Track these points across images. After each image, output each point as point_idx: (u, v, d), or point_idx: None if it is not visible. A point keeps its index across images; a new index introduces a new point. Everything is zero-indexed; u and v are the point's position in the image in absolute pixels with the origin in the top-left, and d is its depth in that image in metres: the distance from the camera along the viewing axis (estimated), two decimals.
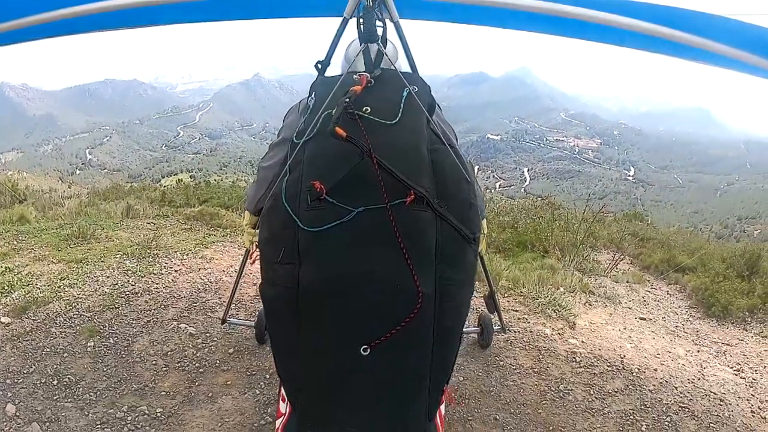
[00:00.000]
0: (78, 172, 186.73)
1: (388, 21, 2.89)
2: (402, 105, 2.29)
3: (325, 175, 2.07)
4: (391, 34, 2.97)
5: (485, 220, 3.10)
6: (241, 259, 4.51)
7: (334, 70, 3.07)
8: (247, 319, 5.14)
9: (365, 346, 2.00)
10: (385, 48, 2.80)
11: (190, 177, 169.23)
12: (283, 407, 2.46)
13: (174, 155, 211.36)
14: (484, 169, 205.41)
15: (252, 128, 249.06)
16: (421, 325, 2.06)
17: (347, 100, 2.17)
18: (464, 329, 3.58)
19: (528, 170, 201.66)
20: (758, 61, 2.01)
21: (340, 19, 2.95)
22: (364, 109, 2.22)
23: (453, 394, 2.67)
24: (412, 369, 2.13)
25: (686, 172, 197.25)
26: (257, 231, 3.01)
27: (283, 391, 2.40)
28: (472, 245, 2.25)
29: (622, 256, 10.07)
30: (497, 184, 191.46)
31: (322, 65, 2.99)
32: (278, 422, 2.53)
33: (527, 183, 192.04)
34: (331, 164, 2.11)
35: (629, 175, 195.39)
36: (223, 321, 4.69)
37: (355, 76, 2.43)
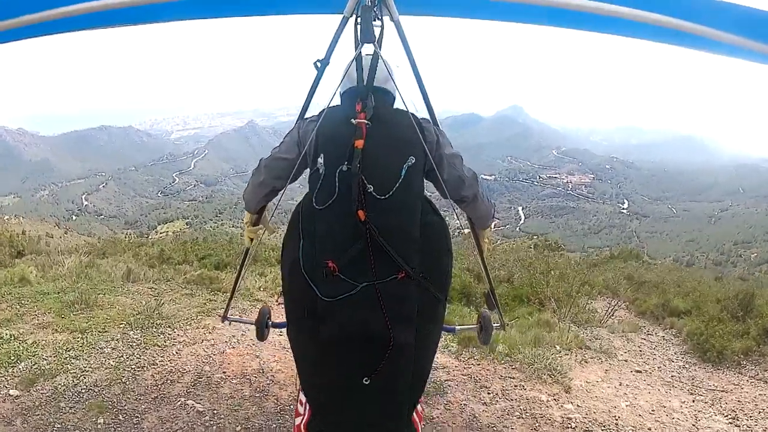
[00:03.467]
0: (74, 218, 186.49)
1: (387, 20, 2.94)
2: (400, 180, 2.64)
3: (337, 251, 2.55)
4: (392, 34, 3.00)
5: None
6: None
7: (333, 68, 3.10)
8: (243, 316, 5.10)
9: (366, 378, 2.61)
10: (380, 50, 2.89)
11: (186, 224, 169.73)
12: (302, 409, 3.08)
13: (170, 202, 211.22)
14: None
15: (246, 175, 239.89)
16: (405, 362, 2.67)
17: (358, 167, 2.55)
18: (463, 327, 4.67)
19: (522, 209, 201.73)
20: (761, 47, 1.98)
21: (339, 18, 2.99)
22: (368, 187, 2.58)
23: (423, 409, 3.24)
24: (398, 390, 2.72)
25: (680, 201, 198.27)
26: (257, 228, 3.58)
27: (302, 396, 3.04)
28: (443, 302, 2.86)
29: (617, 304, 10.15)
30: (492, 225, 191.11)
31: (322, 64, 3.08)
32: (298, 420, 3.11)
33: (522, 221, 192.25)
34: (341, 245, 2.57)
35: (623, 209, 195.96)
36: (224, 319, 4.74)
37: (353, 120, 2.67)
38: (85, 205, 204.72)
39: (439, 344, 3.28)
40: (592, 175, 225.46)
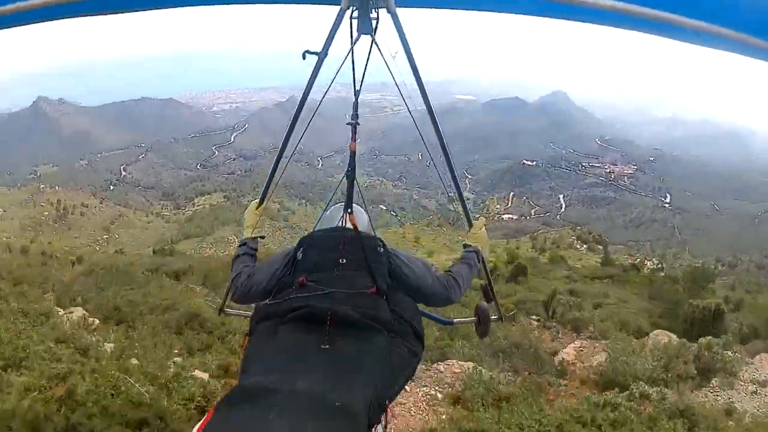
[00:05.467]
0: (112, 188, 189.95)
1: (384, 12, 2.81)
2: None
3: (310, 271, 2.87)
4: (389, 26, 2.87)
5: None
6: None
7: (330, 63, 3.05)
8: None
9: (325, 344, 2.38)
10: (377, 44, 2.96)
11: (224, 197, 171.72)
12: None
13: (208, 175, 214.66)
14: (520, 196, 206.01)
15: (286, 150, 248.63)
16: (370, 342, 2.51)
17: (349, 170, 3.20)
18: (461, 320, 4.68)
19: (563, 197, 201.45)
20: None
21: (336, 9, 2.82)
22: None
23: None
24: (360, 363, 2.41)
25: (723, 199, 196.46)
26: (260, 210, 3.93)
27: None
28: (416, 333, 2.84)
29: None
30: (532, 211, 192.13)
31: (319, 57, 2.96)
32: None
33: (563, 210, 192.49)
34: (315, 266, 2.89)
35: (666, 202, 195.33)
36: (221, 311, 4.73)
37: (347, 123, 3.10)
38: (123, 176, 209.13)
39: None
40: (635, 167, 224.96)
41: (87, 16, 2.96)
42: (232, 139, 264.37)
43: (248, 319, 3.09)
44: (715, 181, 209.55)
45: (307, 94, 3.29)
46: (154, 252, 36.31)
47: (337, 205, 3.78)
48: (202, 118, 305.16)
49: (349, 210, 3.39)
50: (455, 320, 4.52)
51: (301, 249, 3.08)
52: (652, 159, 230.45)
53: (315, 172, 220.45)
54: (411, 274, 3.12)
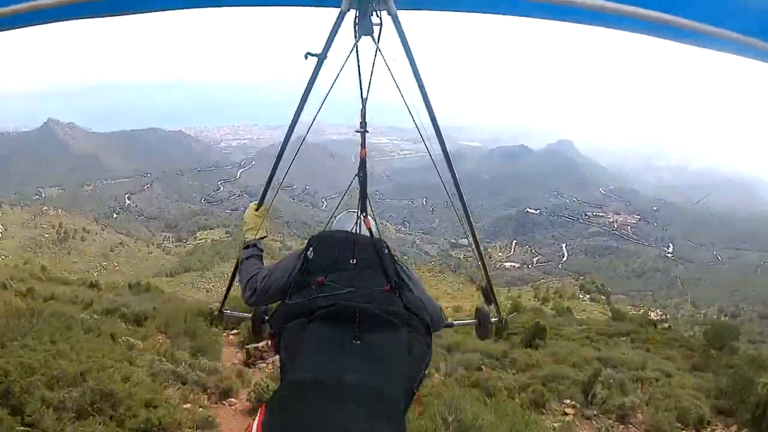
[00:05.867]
0: (115, 215, 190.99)
1: (385, 14, 2.78)
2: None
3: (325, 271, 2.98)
4: (390, 28, 2.84)
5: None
6: None
7: (330, 63, 3.01)
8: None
9: (356, 339, 2.52)
10: (378, 47, 2.95)
11: (226, 233, 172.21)
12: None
13: (212, 209, 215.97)
14: (522, 244, 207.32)
15: (293, 190, 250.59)
16: (394, 336, 2.65)
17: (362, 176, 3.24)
18: (461, 322, 4.81)
19: (566, 246, 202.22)
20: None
21: (336, 12, 2.78)
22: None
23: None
24: (391, 361, 2.55)
25: (726, 248, 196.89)
26: (262, 211, 3.95)
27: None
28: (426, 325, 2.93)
29: None
30: (534, 260, 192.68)
31: (319, 59, 2.96)
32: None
33: (565, 259, 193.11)
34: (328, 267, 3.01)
35: (668, 252, 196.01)
36: (219, 312, 4.76)
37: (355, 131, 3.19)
38: (128, 204, 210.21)
39: None
40: (638, 216, 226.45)
41: (86, 18, 2.91)
42: (238, 176, 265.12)
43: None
44: (718, 230, 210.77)
45: (306, 97, 3.24)
46: (129, 287, 35.32)
47: (346, 211, 3.90)
48: (209, 152, 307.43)
49: (364, 214, 3.41)
50: (455, 322, 4.59)
51: (311, 249, 3.21)
52: (655, 209, 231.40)
53: (318, 212, 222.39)
54: (412, 284, 3.21)
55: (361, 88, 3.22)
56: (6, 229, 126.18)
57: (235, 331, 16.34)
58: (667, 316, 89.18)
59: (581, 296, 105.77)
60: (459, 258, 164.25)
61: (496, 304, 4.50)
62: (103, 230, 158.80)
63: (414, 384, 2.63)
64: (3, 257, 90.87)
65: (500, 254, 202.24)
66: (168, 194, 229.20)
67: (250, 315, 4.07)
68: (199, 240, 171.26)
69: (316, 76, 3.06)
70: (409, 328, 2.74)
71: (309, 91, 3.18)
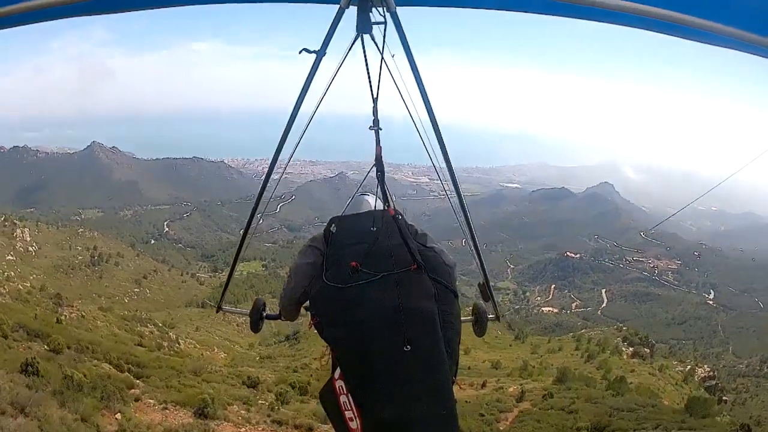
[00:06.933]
0: (152, 241, 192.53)
1: (384, 11, 2.85)
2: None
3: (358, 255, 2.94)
4: (389, 26, 2.92)
5: None
6: None
7: (328, 59, 3.12)
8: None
9: (407, 345, 2.63)
10: (376, 44, 3.03)
11: (263, 266, 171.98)
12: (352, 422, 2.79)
13: (250, 242, 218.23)
14: (561, 288, 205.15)
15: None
16: (433, 328, 2.75)
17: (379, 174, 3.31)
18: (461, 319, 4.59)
19: (605, 291, 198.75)
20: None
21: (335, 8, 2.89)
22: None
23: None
24: (438, 361, 2.73)
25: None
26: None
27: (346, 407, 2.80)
28: (452, 291, 3.03)
29: None
30: (573, 305, 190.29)
31: (318, 55, 3.06)
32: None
33: (604, 305, 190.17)
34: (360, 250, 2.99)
35: (709, 299, 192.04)
36: (218, 309, 5.13)
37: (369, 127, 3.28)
38: (166, 231, 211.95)
39: None
40: (679, 262, 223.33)
41: (84, 15, 3.07)
42: (278, 209, 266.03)
43: None
44: (760, 277, 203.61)
45: (306, 91, 3.24)
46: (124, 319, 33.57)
47: (360, 194, 4.02)
48: (250, 184, 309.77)
49: (387, 205, 3.33)
50: None
51: (333, 225, 3.27)
52: (696, 254, 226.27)
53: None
54: (426, 240, 3.34)
55: (371, 87, 3.21)
56: (40, 248, 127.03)
57: None
58: (715, 373, 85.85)
59: (624, 347, 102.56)
60: (497, 300, 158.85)
61: (494, 300, 4.60)
62: (137, 256, 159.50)
63: (454, 375, 2.86)
64: (33, 276, 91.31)
65: (538, 298, 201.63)
66: (206, 224, 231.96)
67: (248, 311, 4.09)
68: (235, 272, 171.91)
69: (314, 73, 3.11)
70: (441, 305, 2.82)
71: (307, 89, 3.21)
